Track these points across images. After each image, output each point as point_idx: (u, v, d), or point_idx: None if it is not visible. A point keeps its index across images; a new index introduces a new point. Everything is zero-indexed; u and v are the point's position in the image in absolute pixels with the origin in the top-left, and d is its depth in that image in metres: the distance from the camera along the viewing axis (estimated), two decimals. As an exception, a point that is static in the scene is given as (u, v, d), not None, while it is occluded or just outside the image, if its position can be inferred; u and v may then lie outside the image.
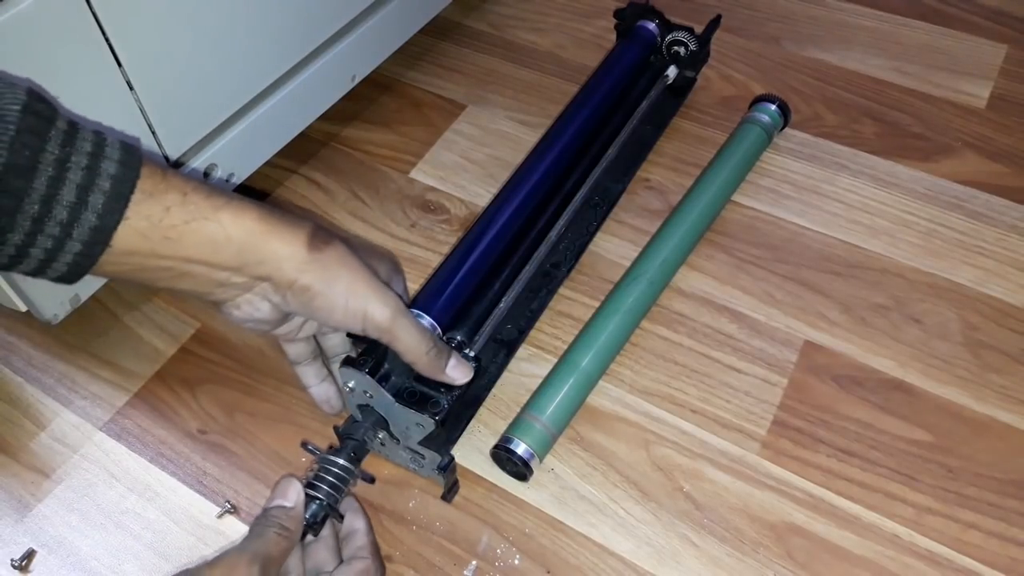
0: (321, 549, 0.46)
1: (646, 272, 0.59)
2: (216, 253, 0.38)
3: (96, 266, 0.35)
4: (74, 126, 0.34)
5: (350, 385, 0.49)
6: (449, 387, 0.48)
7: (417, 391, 0.48)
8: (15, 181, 0.32)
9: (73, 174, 0.33)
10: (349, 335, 0.51)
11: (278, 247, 0.39)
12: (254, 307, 0.42)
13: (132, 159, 0.35)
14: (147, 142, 0.53)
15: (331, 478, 0.46)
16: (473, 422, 0.55)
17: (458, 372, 0.47)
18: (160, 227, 0.36)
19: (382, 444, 0.51)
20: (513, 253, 0.57)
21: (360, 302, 0.41)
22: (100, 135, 0.35)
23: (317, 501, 0.45)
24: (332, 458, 0.47)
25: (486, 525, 0.51)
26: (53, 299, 0.53)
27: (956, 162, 0.70)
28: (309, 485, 0.46)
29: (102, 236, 0.34)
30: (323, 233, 0.41)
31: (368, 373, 0.47)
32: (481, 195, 0.69)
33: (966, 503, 0.51)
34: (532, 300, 0.59)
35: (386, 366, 0.48)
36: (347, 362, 0.48)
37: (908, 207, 0.66)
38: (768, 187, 0.68)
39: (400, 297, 0.44)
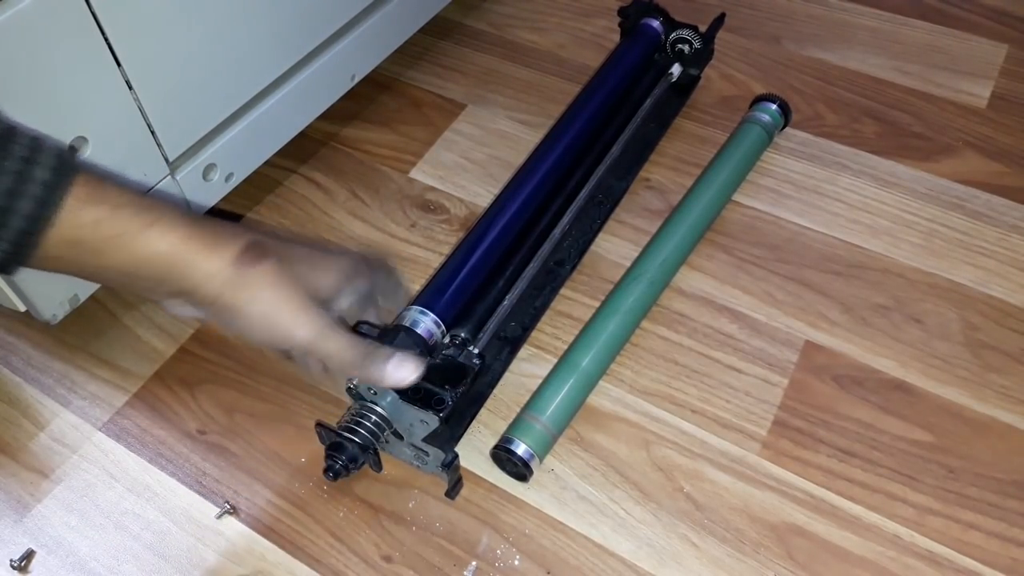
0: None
1: (646, 272, 0.59)
2: (140, 269, 0.38)
3: (28, 263, 0.36)
4: (11, 131, 0.35)
5: (354, 382, 0.49)
6: (454, 384, 0.48)
7: (421, 388, 0.48)
8: None
9: (4, 177, 0.34)
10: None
11: (202, 265, 0.39)
12: (189, 309, 0.42)
13: (66, 167, 0.35)
14: (147, 141, 0.53)
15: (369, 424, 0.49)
16: (473, 422, 0.55)
17: (402, 371, 0.44)
18: (88, 239, 0.36)
19: (386, 441, 0.51)
20: (517, 250, 0.57)
21: (280, 324, 0.41)
22: (37, 141, 0.35)
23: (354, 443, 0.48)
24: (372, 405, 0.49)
25: (486, 526, 0.51)
26: (52, 299, 0.53)
27: (957, 162, 0.69)
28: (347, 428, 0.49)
29: (30, 239, 0.35)
30: (255, 251, 0.40)
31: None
32: (481, 195, 0.69)
33: (967, 503, 0.51)
34: (536, 298, 0.59)
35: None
36: None
37: (909, 207, 0.66)
38: (769, 187, 0.68)
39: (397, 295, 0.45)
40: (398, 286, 0.52)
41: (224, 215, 0.68)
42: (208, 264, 0.39)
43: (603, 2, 0.87)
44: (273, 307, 0.41)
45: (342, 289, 0.46)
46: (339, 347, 0.43)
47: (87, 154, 0.49)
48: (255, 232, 0.41)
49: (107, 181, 0.37)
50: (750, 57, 0.80)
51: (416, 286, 0.63)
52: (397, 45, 0.74)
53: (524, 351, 0.58)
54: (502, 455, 0.51)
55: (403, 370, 0.44)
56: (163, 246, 0.38)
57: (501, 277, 0.56)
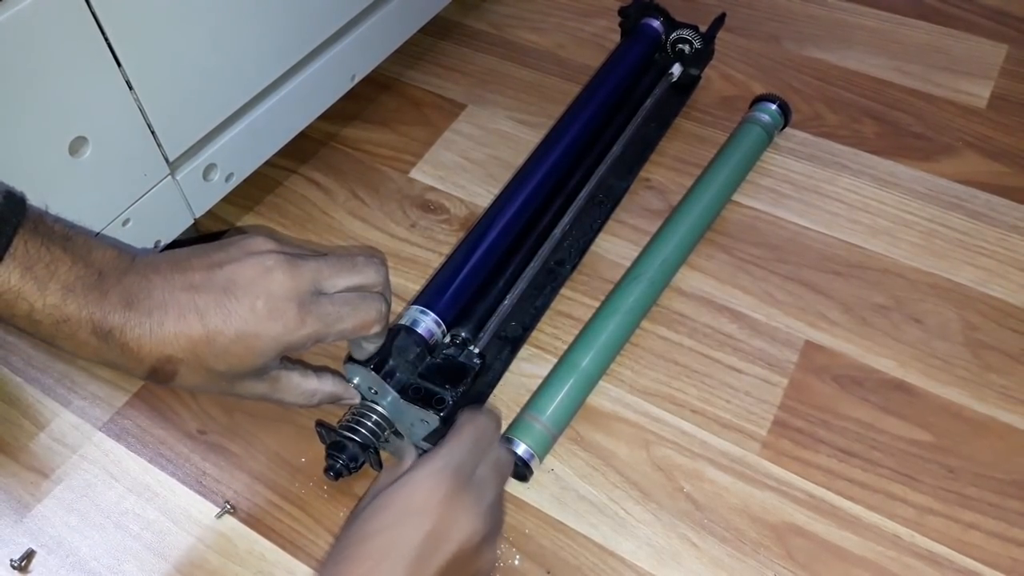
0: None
1: (646, 272, 0.59)
2: (79, 348, 0.38)
3: None
4: None
5: (354, 381, 0.49)
6: (454, 383, 0.48)
7: (422, 387, 0.48)
8: None
9: None
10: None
11: (125, 366, 0.39)
12: None
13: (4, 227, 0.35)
14: (147, 141, 0.53)
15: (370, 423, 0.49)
16: (473, 422, 0.55)
17: (340, 387, 0.48)
18: (17, 316, 0.37)
19: (386, 440, 0.51)
20: (517, 250, 0.57)
21: (229, 394, 0.43)
22: None
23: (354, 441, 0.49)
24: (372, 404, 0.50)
25: (486, 525, 0.51)
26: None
27: (957, 162, 0.69)
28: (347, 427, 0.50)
29: None
30: (161, 371, 0.40)
31: (373, 369, 0.47)
32: (481, 195, 0.69)
33: (967, 503, 0.51)
34: (536, 297, 0.59)
35: (391, 362, 0.49)
36: (352, 358, 0.48)
37: (909, 207, 0.66)
38: (769, 187, 0.68)
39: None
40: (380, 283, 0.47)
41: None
42: (128, 368, 0.39)
43: (603, 2, 0.87)
44: (205, 391, 0.42)
45: (281, 352, 0.44)
46: (281, 399, 0.46)
47: (87, 154, 0.49)
48: (164, 341, 0.39)
49: (52, 249, 0.37)
50: (750, 57, 0.80)
51: (416, 286, 0.63)
52: (397, 45, 0.74)
53: (524, 351, 0.58)
54: (502, 455, 0.51)
55: (337, 387, 0.49)
56: (80, 351, 0.38)
57: (501, 277, 0.56)
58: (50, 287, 0.36)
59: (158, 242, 0.58)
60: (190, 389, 0.43)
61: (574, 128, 0.63)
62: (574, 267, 0.62)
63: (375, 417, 0.49)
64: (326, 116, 0.69)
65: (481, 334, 0.52)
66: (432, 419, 0.47)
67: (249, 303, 0.40)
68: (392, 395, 0.48)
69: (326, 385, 0.48)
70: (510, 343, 0.57)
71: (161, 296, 0.39)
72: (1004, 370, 0.56)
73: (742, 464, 0.53)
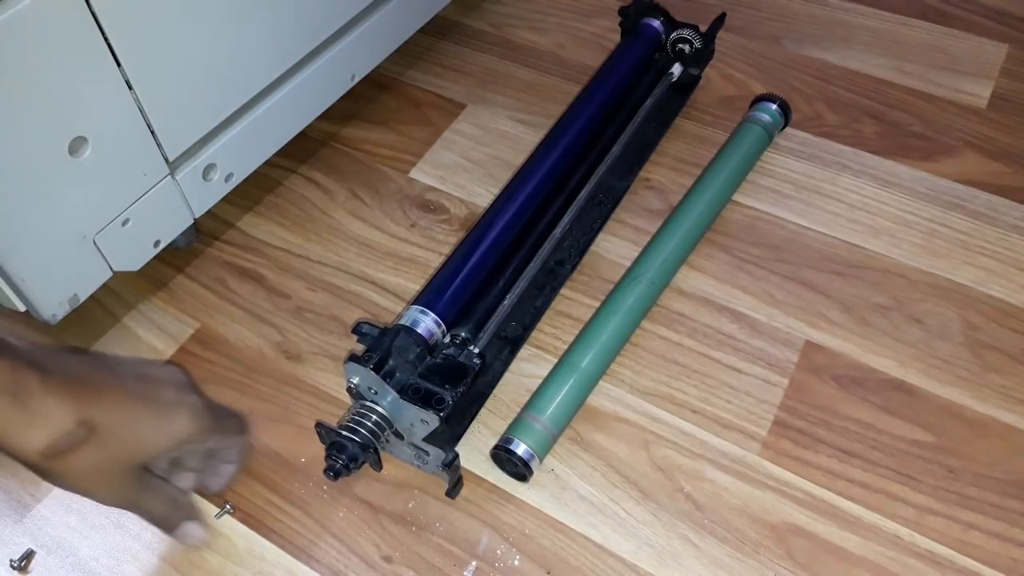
0: None
1: (646, 272, 0.59)
2: None
3: None
4: None
5: (354, 381, 0.49)
6: (454, 383, 0.48)
7: (422, 387, 0.48)
8: None
9: None
10: (357, 336, 0.51)
11: (12, 443, 0.38)
12: None
13: None
14: (146, 141, 0.53)
15: (369, 423, 0.49)
16: (473, 422, 0.54)
17: (184, 540, 0.48)
18: None
19: (386, 441, 0.51)
20: (517, 250, 0.57)
21: (92, 496, 0.42)
22: None
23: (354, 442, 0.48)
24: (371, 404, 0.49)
25: (486, 526, 0.51)
26: (52, 299, 0.53)
27: (957, 162, 0.69)
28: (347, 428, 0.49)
29: None
30: (67, 439, 0.39)
31: (373, 369, 0.47)
32: (481, 195, 0.69)
33: (967, 503, 0.51)
34: (536, 297, 0.59)
35: (391, 363, 0.48)
36: (352, 358, 0.48)
37: (909, 207, 0.66)
38: (769, 187, 0.68)
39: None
40: (235, 447, 0.50)
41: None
42: (17, 444, 0.38)
43: (603, 2, 0.86)
44: (80, 487, 0.41)
45: (172, 450, 0.44)
46: (151, 509, 0.45)
47: (87, 154, 0.49)
48: (88, 399, 0.39)
49: None
50: (750, 57, 0.80)
51: (416, 286, 0.63)
52: (397, 45, 0.74)
53: (524, 351, 0.58)
54: (502, 455, 0.51)
55: (187, 540, 0.48)
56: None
57: (501, 277, 0.56)
58: None
59: (157, 242, 0.58)
60: (75, 480, 0.41)
61: (574, 128, 0.63)
62: (574, 267, 0.62)
63: (375, 417, 0.49)
64: (326, 116, 0.68)
65: (481, 334, 0.52)
66: (432, 419, 0.47)
67: (167, 394, 0.43)
68: (392, 395, 0.48)
69: (182, 497, 0.48)
70: (510, 343, 0.57)
71: (78, 368, 0.40)
72: (1004, 370, 0.56)
73: (742, 464, 0.53)
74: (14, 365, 0.37)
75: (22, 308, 0.53)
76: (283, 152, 0.66)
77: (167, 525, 0.47)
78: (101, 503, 0.42)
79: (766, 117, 0.69)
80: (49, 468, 0.39)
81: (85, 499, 0.49)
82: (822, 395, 0.56)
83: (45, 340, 0.61)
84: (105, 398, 0.40)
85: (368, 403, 0.49)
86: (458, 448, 0.53)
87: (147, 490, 0.44)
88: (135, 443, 0.41)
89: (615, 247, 0.64)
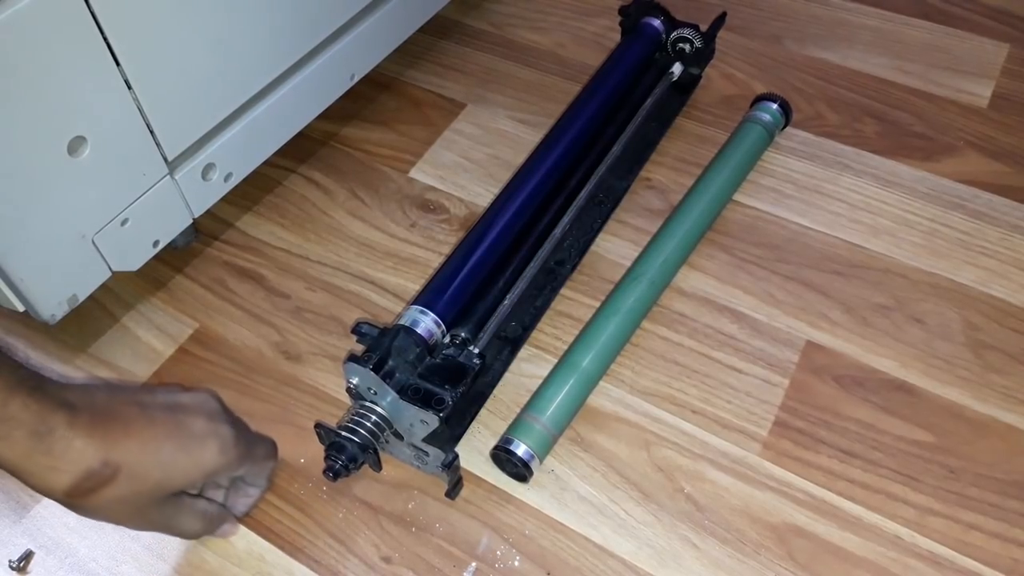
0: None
1: (647, 272, 0.59)
2: (9, 448, 0.37)
3: None
4: None
5: (353, 382, 0.49)
6: (454, 384, 0.48)
7: (421, 388, 0.48)
8: None
9: None
10: (356, 336, 0.51)
11: (40, 485, 0.38)
12: None
13: None
14: (146, 141, 0.53)
15: (369, 424, 0.49)
16: (473, 423, 0.54)
17: (223, 537, 0.50)
18: None
19: (386, 441, 0.51)
20: (517, 250, 0.57)
21: (125, 525, 0.43)
22: None
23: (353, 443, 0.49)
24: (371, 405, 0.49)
25: (486, 526, 0.51)
26: (51, 299, 0.53)
27: (958, 161, 0.69)
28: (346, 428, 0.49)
29: None
30: (93, 480, 0.38)
31: (372, 370, 0.47)
32: (481, 195, 0.69)
33: (968, 504, 0.50)
34: (536, 298, 0.59)
35: (390, 363, 0.48)
36: (352, 359, 0.48)
37: (910, 207, 0.66)
38: (770, 186, 0.68)
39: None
40: (263, 472, 0.50)
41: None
42: (43, 486, 0.38)
43: (604, 1, 0.86)
44: (109, 518, 0.41)
45: (201, 481, 0.45)
46: (184, 529, 0.46)
47: (86, 154, 0.49)
48: (111, 441, 0.39)
49: None
50: (751, 56, 0.80)
51: (416, 286, 0.63)
52: (397, 45, 0.73)
53: (524, 351, 0.58)
54: (502, 455, 0.51)
55: (225, 531, 0.50)
56: (6, 453, 0.37)
57: (501, 277, 0.56)
58: None
59: (157, 242, 0.58)
60: (104, 514, 0.41)
61: (574, 128, 0.63)
62: (574, 267, 0.62)
63: (374, 418, 0.49)
64: (326, 116, 0.68)
65: (481, 334, 0.52)
66: (432, 419, 0.47)
67: (197, 425, 0.43)
68: (391, 395, 0.48)
69: (213, 507, 0.48)
70: (510, 343, 0.57)
71: (107, 404, 0.40)
72: (1005, 370, 0.56)
73: (743, 465, 0.53)
74: (42, 406, 0.37)
75: (21, 308, 0.53)
76: (283, 152, 0.66)
77: (202, 535, 0.48)
78: (134, 530, 0.43)
79: (767, 117, 0.69)
80: (77, 505, 0.39)
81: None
82: (823, 395, 0.56)
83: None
84: (133, 436, 0.40)
85: (368, 403, 0.49)
86: (458, 448, 0.52)
87: (179, 512, 0.45)
88: (163, 478, 0.41)
89: (615, 247, 0.64)
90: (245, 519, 0.51)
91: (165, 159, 0.55)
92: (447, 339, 0.52)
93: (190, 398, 0.44)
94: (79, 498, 0.39)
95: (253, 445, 0.47)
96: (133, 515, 0.42)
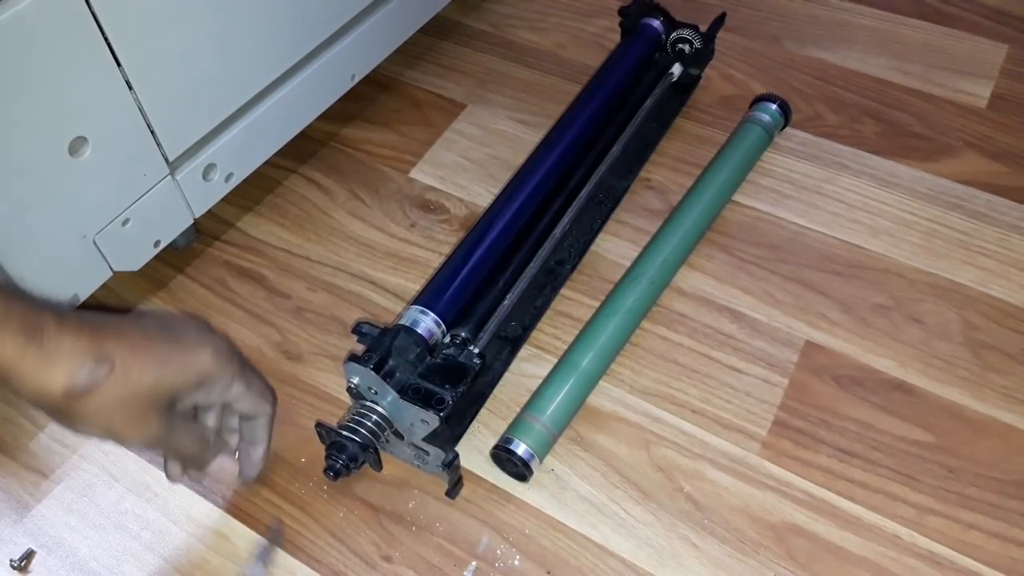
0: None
1: (646, 272, 0.59)
2: None
3: None
4: None
5: (354, 381, 0.49)
6: (454, 383, 0.48)
7: (422, 388, 0.48)
8: None
9: None
10: (357, 336, 0.51)
11: (33, 386, 0.37)
12: None
13: None
14: (146, 141, 0.53)
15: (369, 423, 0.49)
16: (473, 422, 0.54)
17: (218, 476, 0.48)
18: None
19: (386, 441, 0.51)
20: (517, 250, 0.57)
21: (118, 436, 0.41)
22: None
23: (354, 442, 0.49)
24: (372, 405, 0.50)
25: (486, 526, 0.51)
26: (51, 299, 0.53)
27: (957, 162, 0.69)
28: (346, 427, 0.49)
29: None
30: (88, 374, 0.38)
31: (373, 369, 0.47)
32: (481, 195, 0.69)
33: (967, 503, 0.51)
34: (536, 297, 0.59)
35: (391, 363, 0.49)
36: (352, 359, 0.48)
37: (909, 207, 0.66)
38: (769, 187, 0.68)
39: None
40: (260, 414, 0.48)
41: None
42: (37, 387, 0.37)
43: (603, 2, 0.86)
44: (106, 426, 0.40)
45: (198, 387, 0.43)
46: (182, 448, 0.44)
47: (87, 154, 0.49)
48: (103, 336, 0.39)
49: None
50: (750, 57, 0.80)
51: (416, 286, 0.63)
52: (397, 45, 0.74)
53: (524, 351, 0.58)
54: (502, 455, 0.51)
55: (223, 472, 0.48)
56: (18, 340, 0.36)
57: (501, 277, 0.56)
58: None
59: (157, 242, 0.58)
60: (103, 421, 0.39)
61: (574, 128, 0.63)
62: (574, 267, 0.62)
63: (375, 417, 0.49)
64: (326, 116, 0.68)
65: (481, 334, 0.52)
66: (432, 419, 0.47)
67: (190, 333, 0.43)
68: (392, 395, 0.48)
69: (211, 432, 0.47)
70: (510, 343, 0.57)
71: (94, 315, 0.40)
72: (1004, 370, 0.56)
73: (742, 464, 0.53)
74: (29, 308, 0.37)
75: (22, 308, 0.53)
76: (283, 152, 0.66)
77: (199, 463, 0.46)
78: (131, 446, 0.42)
79: (766, 117, 0.69)
80: (73, 410, 0.38)
81: (86, 500, 0.49)
82: (822, 395, 0.56)
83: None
84: (124, 336, 0.40)
85: (368, 403, 0.49)
86: (458, 448, 0.53)
87: (176, 428, 0.43)
88: (158, 378, 0.40)
89: (615, 247, 0.64)
90: (247, 520, 0.51)
91: (166, 159, 0.55)
92: (447, 339, 0.52)
93: (182, 317, 0.44)
94: (76, 401, 0.38)
95: (248, 368, 0.46)
96: (132, 421, 0.40)
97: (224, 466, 0.48)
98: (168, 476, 0.47)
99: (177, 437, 0.44)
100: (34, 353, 0.36)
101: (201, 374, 0.43)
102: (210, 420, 0.48)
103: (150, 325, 0.42)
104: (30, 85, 0.45)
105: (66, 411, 0.38)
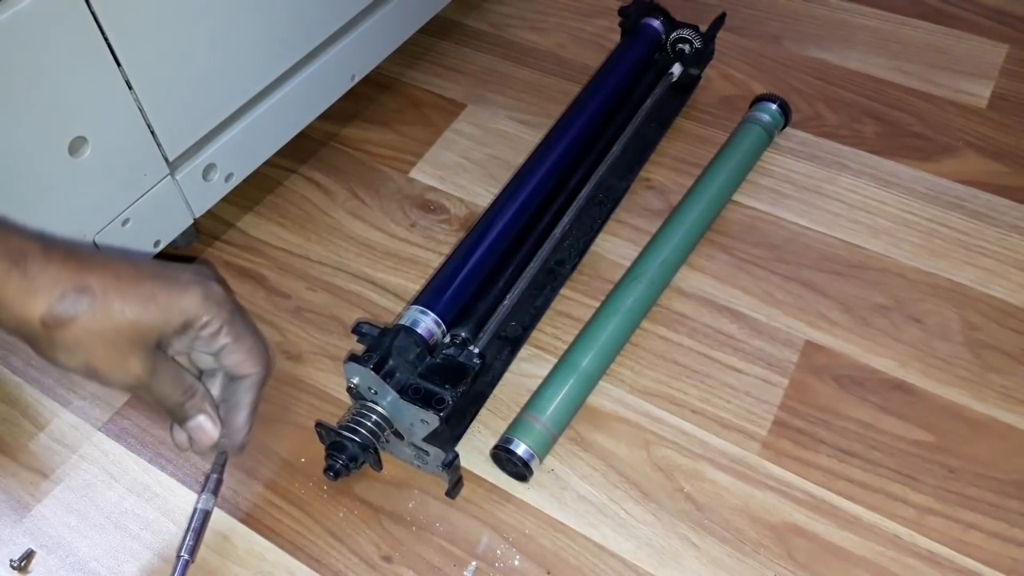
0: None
1: (646, 272, 0.59)
2: None
3: None
4: None
5: (354, 381, 0.49)
6: (454, 383, 0.48)
7: (422, 388, 0.48)
8: None
9: None
10: (357, 336, 0.51)
11: (13, 312, 0.37)
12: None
13: None
14: (146, 141, 0.53)
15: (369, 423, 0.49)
16: (473, 422, 0.55)
17: (196, 434, 0.44)
18: None
19: (386, 441, 0.51)
20: (517, 250, 0.57)
21: (97, 373, 0.39)
22: None
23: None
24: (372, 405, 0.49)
25: (486, 526, 0.51)
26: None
27: (957, 162, 0.69)
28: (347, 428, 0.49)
29: None
30: (69, 302, 0.37)
31: (373, 369, 0.47)
32: (481, 195, 0.69)
33: (967, 503, 0.51)
34: (536, 297, 0.59)
35: (391, 363, 0.49)
36: (352, 359, 0.48)
37: (909, 207, 0.66)
38: (769, 187, 0.68)
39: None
40: (252, 383, 0.45)
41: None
42: (18, 314, 0.37)
43: (603, 2, 0.86)
44: (85, 360, 0.39)
45: (184, 329, 0.41)
46: (162, 391, 0.42)
47: (87, 154, 0.49)
48: (86, 267, 0.38)
49: None
50: (750, 57, 0.80)
51: (416, 286, 0.63)
52: (397, 45, 0.74)
53: (524, 351, 0.58)
54: (502, 455, 0.51)
55: (199, 432, 0.44)
56: None
57: (501, 277, 0.56)
58: None
59: (157, 242, 0.58)
60: (83, 353, 0.38)
61: (574, 128, 0.63)
62: (574, 267, 0.62)
63: (375, 417, 0.49)
64: (326, 116, 0.69)
65: (481, 334, 0.52)
66: (432, 419, 0.47)
67: (183, 274, 0.41)
68: (392, 395, 0.48)
69: (193, 380, 0.44)
70: (510, 343, 0.57)
71: (90, 250, 0.39)
72: (1004, 370, 0.56)
73: (742, 464, 0.53)
74: (16, 236, 0.36)
75: (22, 308, 0.53)
76: (283, 152, 0.66)
77: (180, 415, 0.43)
78: (113, 385, 0.40)
79: (766, 117, 0.69)
80: (52, 339, 0.37)
81: (86, 500, 0.49)
82: (822, 395, 0.56)
83: None
84: (111, 269, 0.39)
85: (368, 403, 0.49)
86: (458, 448, 0.53)
87: (159, 372, 0.41)
88: (141, 314, 0.39)
89: (615, 247, 0.64)
90: (246, 519, 0.51)
91: (166, 159, 0.55)
92: (447, 339, 0.52)
93: (181, 263, 0.42)
94: (55, 329, 0.37)
95: (242, 321, 0.43)
96: (112, 358, 0.39)
97: (203, 424, 0.44)
98: (175, 443, 0.45)
99: (159, 382, 0.41)
100: (17, 279, 0.36)
101: (186, 314, 0.40)
102: (213, 384, 0.45)
103: (143, 263, 0.41)
104: (30, 85, 0.45)
105: (46, 340, 0.37)
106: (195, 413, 0.44)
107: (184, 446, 0.45)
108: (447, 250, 0.65)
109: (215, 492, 0.49)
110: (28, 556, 0.50)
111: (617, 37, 0.75)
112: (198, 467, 0.54)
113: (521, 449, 0.50)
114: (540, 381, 0.55)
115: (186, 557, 0.48)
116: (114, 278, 0.39)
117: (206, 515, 0.49)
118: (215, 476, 0.49)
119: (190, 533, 0.49)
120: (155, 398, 0.42)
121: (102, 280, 0.38)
